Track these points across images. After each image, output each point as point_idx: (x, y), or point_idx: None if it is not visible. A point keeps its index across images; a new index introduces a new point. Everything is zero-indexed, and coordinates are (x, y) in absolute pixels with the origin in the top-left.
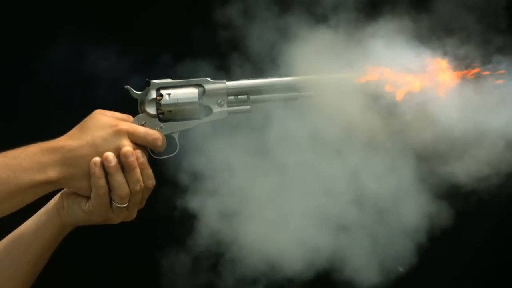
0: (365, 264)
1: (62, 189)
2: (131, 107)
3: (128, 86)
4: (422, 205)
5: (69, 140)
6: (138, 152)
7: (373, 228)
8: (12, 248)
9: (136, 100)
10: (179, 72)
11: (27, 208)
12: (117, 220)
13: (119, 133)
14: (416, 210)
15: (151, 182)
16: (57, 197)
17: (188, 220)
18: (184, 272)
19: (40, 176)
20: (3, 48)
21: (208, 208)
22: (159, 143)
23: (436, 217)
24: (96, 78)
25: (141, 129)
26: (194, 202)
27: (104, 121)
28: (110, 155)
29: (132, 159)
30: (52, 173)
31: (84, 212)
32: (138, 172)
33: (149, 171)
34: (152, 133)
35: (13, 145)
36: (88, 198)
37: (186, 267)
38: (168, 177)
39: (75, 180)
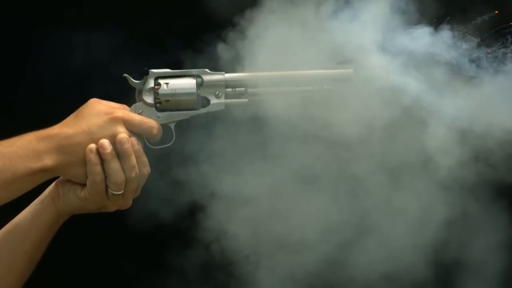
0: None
1: (57, 177)
2: (127, 100)
3: (126, 75)
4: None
5: (65, 128)
6: (134, 140)
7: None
8: (9, 238)
9: (131, 91)
10: (179, 63)
11: (24, 199)
12: (112, 208)
13: (114, 120)
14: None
15: (146, 169)
16: (52, 185)
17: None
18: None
19: (36, 164)
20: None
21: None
22: (155, 131)
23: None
24: (94, 70)
25: (136, 117)
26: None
27: (100, 109)
28: (105, 142)
29: (127, 146)
30: (47, 161)
31: (80, 199)
32: (133, 159)
33: (144, 158)
34: (148, 121)
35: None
36: (83, 185)
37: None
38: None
39: (70, 167)
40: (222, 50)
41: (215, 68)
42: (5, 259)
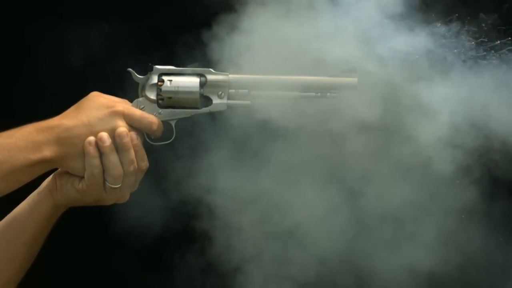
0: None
1: (56, 169)
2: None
3: (130, 69)
4: None
5: (64, 119)
6: (133, 134)
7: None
8: (7, 230)
9: (130, 86)
10: (182, 60)
11: (23, 192)
12: (109, 202)
13: (114, 114)
14: None
15: (145, 164)
16: (50, 177)
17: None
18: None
19: (35, 155)
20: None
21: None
22: (154, 127)
23: None
24: (93, 65)
25: (137, 112)
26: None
27: (101, 102)
28: (104, 135)
29: (126, 140)
30: (47, 152)
31: (77, 191)
32: (132, 153)
33: (143, 153)
34: (148, 117)
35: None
36: (81, 177)
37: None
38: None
39: (69, 159)
40: (223, 46)
41: (216, 63)
42: (4, 251)
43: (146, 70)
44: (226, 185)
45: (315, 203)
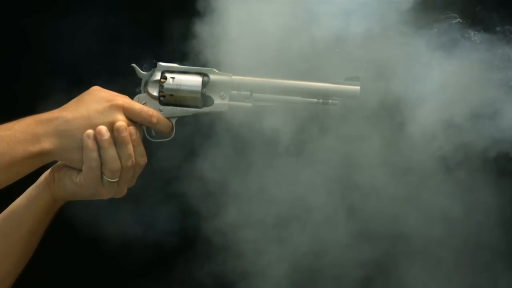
0: None
1: (55, 163)
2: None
3: (134, 65)
4: None
5: (64, 112)
6: (132, 129)
7: None
8: (4, 224)
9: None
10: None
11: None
12: (106, 196)
13: (114, 107)
14: None
15: (143, 159)
16: (48, 171)
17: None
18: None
19: (34, 147)
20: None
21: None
22: (154, 120)
23: None
24: (92, 61)
25: (137, 105)
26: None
27: (101, 96)
28: (103, 128)
29: (125, 134)
30: (45, 144)
31: (75, 184)
32: (130, 147)
33: (142, 148)
34: (148, 110)
35: None
36: (79, 171)
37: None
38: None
39: (68, 151)
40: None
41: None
42: (1, 245)
43: (144, 65)
44: (230, 185)
45: (324, 202)
